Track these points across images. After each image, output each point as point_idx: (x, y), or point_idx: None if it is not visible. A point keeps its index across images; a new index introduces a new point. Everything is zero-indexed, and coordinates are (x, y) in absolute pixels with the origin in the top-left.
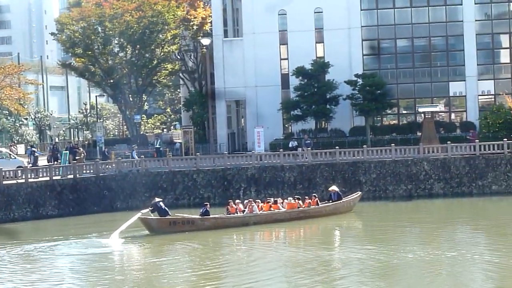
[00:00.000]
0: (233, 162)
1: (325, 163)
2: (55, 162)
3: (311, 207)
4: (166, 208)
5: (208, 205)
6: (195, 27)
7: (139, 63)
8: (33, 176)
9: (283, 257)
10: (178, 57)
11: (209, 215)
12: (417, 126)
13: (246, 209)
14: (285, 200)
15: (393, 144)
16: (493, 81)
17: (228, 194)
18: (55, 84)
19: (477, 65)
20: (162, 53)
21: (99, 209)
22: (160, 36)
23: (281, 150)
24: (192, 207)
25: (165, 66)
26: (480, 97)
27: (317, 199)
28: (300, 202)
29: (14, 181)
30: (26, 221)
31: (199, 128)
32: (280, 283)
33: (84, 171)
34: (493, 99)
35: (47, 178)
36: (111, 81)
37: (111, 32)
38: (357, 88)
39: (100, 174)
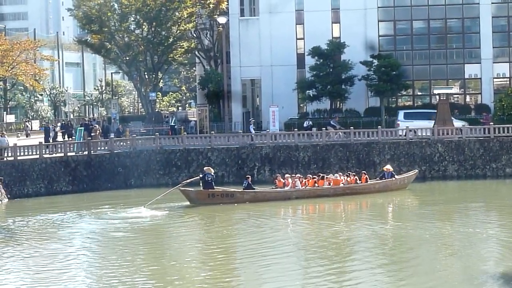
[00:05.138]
0: (247, 141)
1: (340, 143)
2: (69, 139)
3: (359, 183)
4: (213, 182)
5: (250, 178)
6: (211, 5)
7: (155, 40)
8: (47, 152)
9: (298, 231)
10: (194, 35)
11: (252, 189)
12: (432, 108)
13: (290, 185)
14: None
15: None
16: (508, 64)
17: (242, 172)
18: (70, 60)
19: (493, 47)
20: (178, 31)
21: (113, 186)
22: (177, 13)
23: (296, 129)
24: None
25: (181, 44)
26: (495, 79)
27: (366, 176)
28: (348, 178)
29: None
30: (40, 196)
31: (214, 107)
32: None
33: (99, 148)
34: (508, 82)
35: (62, 154)
36: (127, 58)
37: (127, 9)
38: (372, 69)
39: (115, 151)
